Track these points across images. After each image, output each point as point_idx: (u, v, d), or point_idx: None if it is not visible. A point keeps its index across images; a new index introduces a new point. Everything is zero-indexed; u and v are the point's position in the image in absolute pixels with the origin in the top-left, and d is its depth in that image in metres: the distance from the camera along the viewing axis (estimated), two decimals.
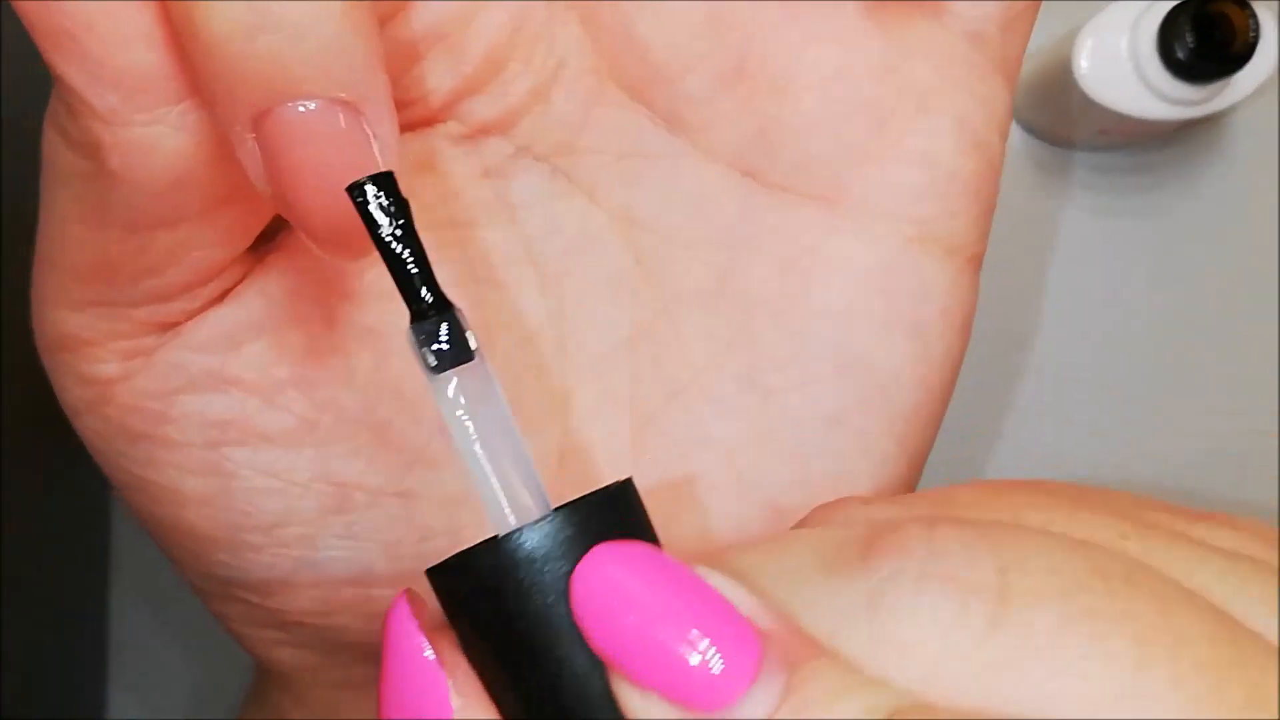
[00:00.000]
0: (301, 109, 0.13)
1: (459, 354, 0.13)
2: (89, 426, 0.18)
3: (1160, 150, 0.39)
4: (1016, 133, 0.39)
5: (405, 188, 0.18)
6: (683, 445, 0.19)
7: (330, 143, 0.13)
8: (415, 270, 0.13)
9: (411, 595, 0.14)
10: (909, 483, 0.20)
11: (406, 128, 0.18)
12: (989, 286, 0.39)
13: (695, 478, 0.19)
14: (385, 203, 0.13)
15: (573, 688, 0.13)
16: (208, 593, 0.19)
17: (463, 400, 0.13)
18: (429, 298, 0.13)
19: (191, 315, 0.17)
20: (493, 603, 0.13)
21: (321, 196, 0.13)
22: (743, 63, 0.18)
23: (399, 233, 0.13)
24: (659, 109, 0.18)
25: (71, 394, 0.17)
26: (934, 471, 0.21)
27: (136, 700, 0.36)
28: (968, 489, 0.15)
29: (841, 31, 0.18)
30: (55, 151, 0.15)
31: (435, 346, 0.13)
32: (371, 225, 0.13)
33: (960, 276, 0.19)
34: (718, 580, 0.13)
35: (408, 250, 0.13)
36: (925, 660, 0.12)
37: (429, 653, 0.13)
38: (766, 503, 0.19)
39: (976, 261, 0.19)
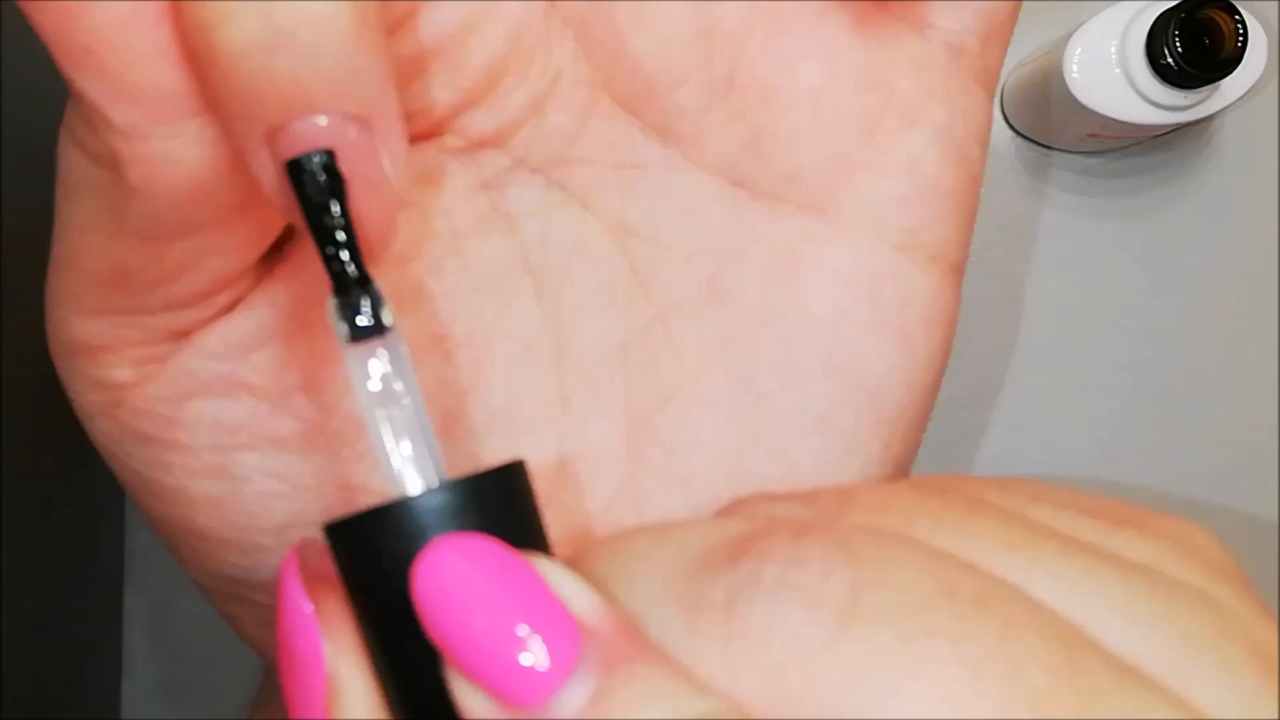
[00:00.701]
0: (315, 124, 0.13)
1: (375, 327, 0.14)
2: (101, 430, 0.18)
3: (1149, 155, 0.39)
4: (1007, 136, 0.40)
5: (407, 199, 0.18)
6: (677, 448, 0.19)
7: (344, 158, 0.13)
8: (342, 242, 0.14)
9: (306, 548, 0.15)
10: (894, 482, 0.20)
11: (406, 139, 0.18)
12: (979, 288, 0.39)
13: (691, 478, 0.19)
14: (319, 177, 0.13)
15: (417, 664, 0.13)
16: (218, 594, 0.20)
17: (373, 370, 0.14)
18: (352, 271, 0.14)
19: (204, 323, 0.17)
20: (366, 568, 0.14)
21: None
22: (733, 75, 0.18)
23: (326, 204, 0.13)
24: (651, 121, 0.19)
25: (84, 398, 0.18)
26: (920, 471, 0.22)
27: (149, 700, 0.37)
28: (871, 490, 0.15)
29: (829, 45, 0.18)
30: (72, 162, 0.15)
31: (354, 318, 0.14)
32: (302, 196, 0.13)
33: (943, 283, 0.19)
34: (555, 576, 0.13)
35: (336, 223, 0.14)
36: (769, 665, 0.12)
37: (307, 606, 0.14)
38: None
39: (959, 269, 0.20)
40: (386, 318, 0.14)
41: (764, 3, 0.18)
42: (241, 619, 0.20)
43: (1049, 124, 0.38)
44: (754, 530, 0.13)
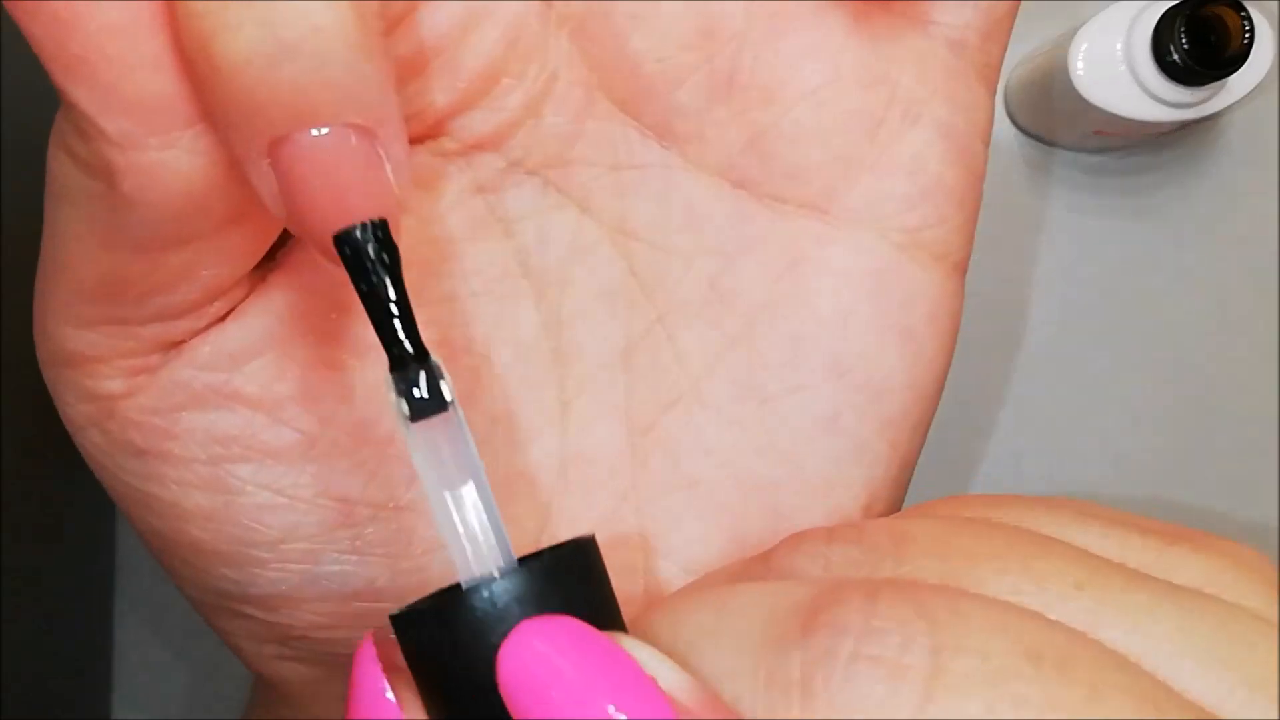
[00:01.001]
0: (316, 134, 0.13)
1: (435, 404, 0.13)
2: (90, 441, 0.18)
3: (1155, 152, 0.39)
4: (1012, 134, 0.39)
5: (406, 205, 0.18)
6: (680, 452, 0.19)
7: (344, 166, 0.13)
8: (398, 318, 0.13)
9: (379, 635, 0.14)
10: (900, 483, 0.20)
11: None
12: (982, 287, 0.39)
13: (695, 483, 0.19)
14: (371, 250, 0.13)
15: None
16: (209, 608, 0.19)
17: (435, 450, 0.14)
18: (409, 347, 0.13)
19: (197, 333, 0.17)
20: (440, 656, 0.13)
21: (339, 223, 0.13)
22: (733, 74, 0.18)
23: (382, 281, 0.13)
24: (650, 121, 0.19)
25: (74, 409, 0.17)
26: (925, 472, 0.22)
27: (138, 708, 0.37)
28: (924, 529, 0.15)
29: (830, 43, 0.18)
30: (63, 171, 0.15)
31: (412, 396, 0.13)
32: (354, 273, 0.13)
33: (947, 282, 0.19)
34: (643, 654, 0.13)
35: (391, 298, 0.13)
36: None
37: (389, 694, 0.14)
38: (763, 506, 0.19)
39: (962, 268, 0.20)
40: (446, 393, 0.14)
41: (764, 1, 0.18)
42: (234, 633, 0.20)
43: (1054, 121, 0.38)
44: (821, 595, 0.13)
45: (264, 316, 0.17)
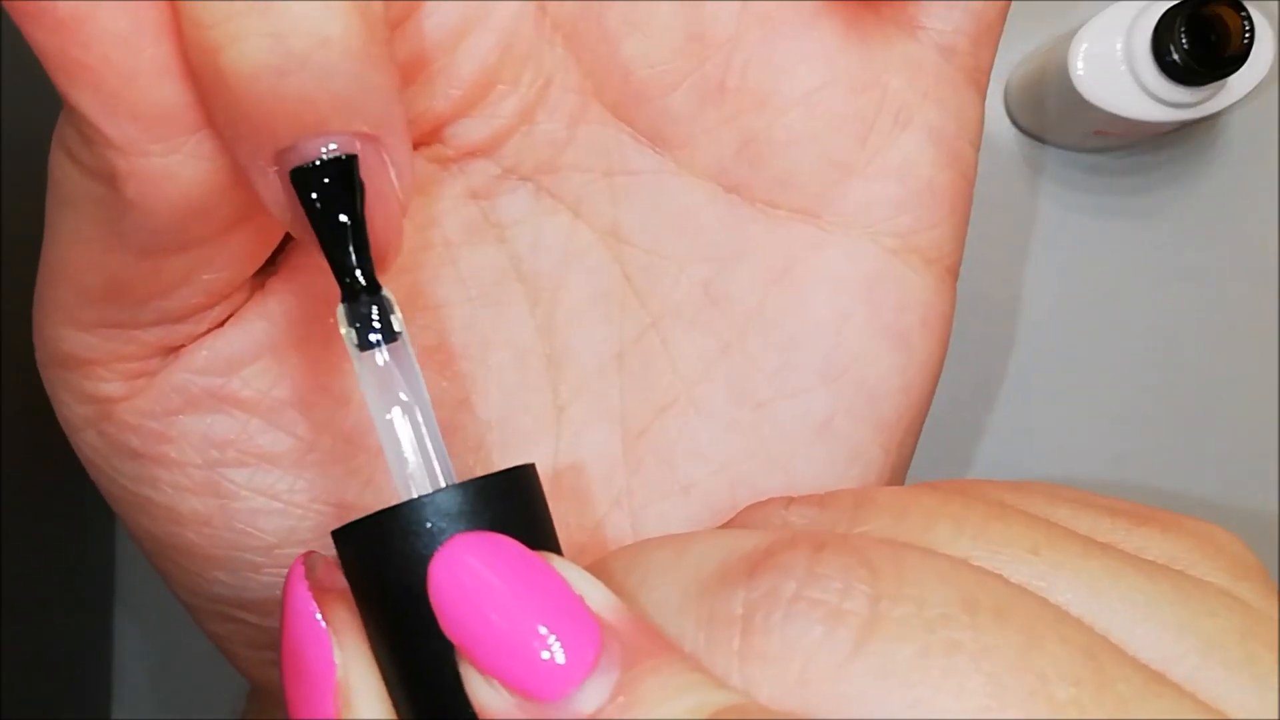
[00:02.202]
0: (325, 144, 0.13)
1: (385, 334, 0.14)
2: (87, 443, 0.18)
3: (1155, 152, 0.39)
4: (1012, 133, 0.39)
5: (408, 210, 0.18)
6: (674, 457, 0.19)
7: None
8: (351, 248, 0.14)
9: (312, 557, 0.15)
10: (894, 485, 0.20)
11: None
12: (982, 286, 0.39)
13: (690, 488, 0.19)
14: (327, 184, 0.13)
15: (430, 663, 0.13)
16: (203, 612, 0.19)
17: (382, 376, 0.14)
18: (361, 278, 0.14)
19: (196, 337, 0.17)
20: (378, 570, 0.13)
21: (344, 229, 0.14)
22: (725, 80, 0.18)
23: (334, 210, 0.13)
24: (643, 127, 0.19)
25: (71, 411, 0.17)
26: (919, 471, 0.21)
27: (138, 708, 0.37)
28: (888, 493, 0.15)
29: (821, 48, 0.18)
30: (64, 174, 0.15)
31: (363, 326, 0.14)
32: (306, 203, 0.13)
33: (940, 285, 0.19)
34: (572, 575, 0.13)
35: (343, 228, 0.13)
36: (787, 678, 0.12)
37: (317, 613, 0.14)
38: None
39: (954, 271, 0.20)
40: (396, 324, 0.14)
41: (755, 7, 0.18)
42: (228, 638, 0.20)
43: (1054, 121, 0.38)
44: (772, 543, 0.13)
45: (263, 321, 0.17)
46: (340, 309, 0.14)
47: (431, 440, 0.14)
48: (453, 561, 0.13)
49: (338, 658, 0.14)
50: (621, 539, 0.19)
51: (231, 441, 0.17)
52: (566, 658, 0.12)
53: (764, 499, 0.16)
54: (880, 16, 0.18)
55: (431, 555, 0.13)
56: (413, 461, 0.14)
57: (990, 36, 0.19)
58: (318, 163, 0.13)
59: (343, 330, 0.14)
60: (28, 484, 0.30)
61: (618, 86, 0.18)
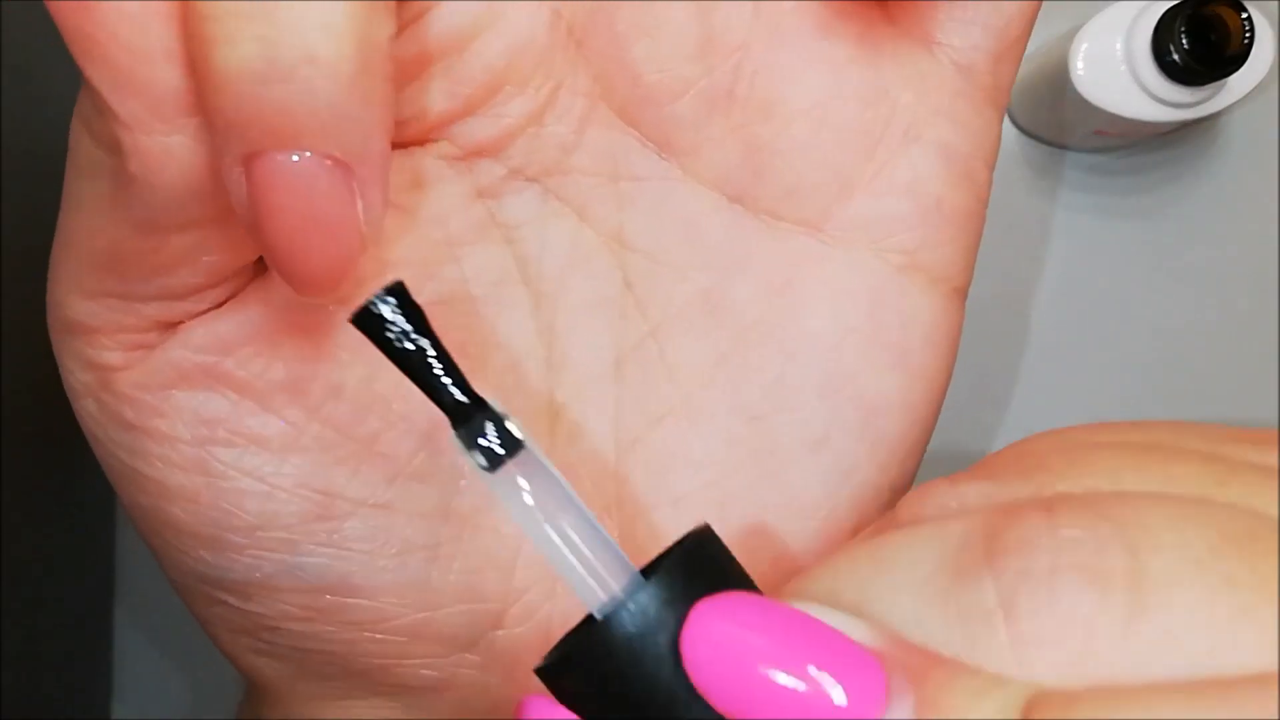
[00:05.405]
0: (294, 159, 0.13)
1: (509, 447, 0.13)
2: (87, 411, 0.18)
3: (1155, 152, 0.39)
4: (1012, 134, 0.39)
5: (400, 203, 0.18)
6: (666, 468, 0.19)
7: (314, 195, 0.13)
8: (445, 377, 0.13)
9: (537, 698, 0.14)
10: (892, 504, 0.20)
11: (398, 145, 0.18)
12: (986, 288, 0.39)
13: (681, 499, 0.19)
14: (397, 322, 0.13)
15: None
16: (189, 592, 0.19)
17: (525, 490, 0.13)
18: (464, 399, 0.13)
19: (196, 315, 0.17)
20: (608, 687, 0.13)
21: (296, 244, 0.14)
22: (733, 87, 0.18)
23: (419, 346, 0.13)
24: (650, 132, 0.19)
25: (74, 376, 0.18)
26: (928, 474, 0.21)
27: (138, 708, 0.37)
28: (1053, 450, 0.14)
29: (832, 59, 0.18)
30: (80, 143, 0.15)
31: (485, 446, 0.13)
32: (385, 349, 0.13)
33: (946, 305, 0.19)
34: (822, 613, 0.12)
35: (432, 360, 0.13)
36: (1070, 654, 0.11)
37: None
38: (749, 526, 0.19)
39: (962, 291, 0.19)
40: (516, 431, 0.13)
41: (766, 15, 0.18)
42: (212, 621, 0.20)
43: (1054, 122, 0.38)
44: (993, 521, 0.12)
45: (261, 305, 0.17)
46: (452, 437, 0.13)
47: (598, 537, 0.13)
48: (704, 630, 0.12)
49: None
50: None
51: (222, 421, 0.17)
52: (855, 693, 0.12)
53: (921, 485, 0.15)
54: (895, 30, 0.18)
55: (673, 639, 0.12)
56: (588, 567, 0.13)
57: (1012, 55, 0.19)
58: (373, 301, 0.13)
59: (466, 460, 0.13)
60: (28, 484, 0.30)
61: (626, 90, 0.18)
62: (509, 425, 0.13)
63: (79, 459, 0.19)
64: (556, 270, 0.19)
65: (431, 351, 0.13)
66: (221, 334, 0.17)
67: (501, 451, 0.13)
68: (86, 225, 0.16)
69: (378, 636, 0.19)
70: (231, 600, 0.19)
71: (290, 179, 0.13)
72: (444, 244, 0.18)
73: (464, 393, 0.13)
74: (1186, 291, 0.39)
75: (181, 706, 0.37)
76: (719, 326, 0.19)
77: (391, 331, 0.13)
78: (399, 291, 0.13)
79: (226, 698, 0.37)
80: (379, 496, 0.18)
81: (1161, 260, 0.39)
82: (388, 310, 0.13)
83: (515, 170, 0.19)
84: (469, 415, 0.13)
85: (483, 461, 0.13)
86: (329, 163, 0.13)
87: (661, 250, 0.19)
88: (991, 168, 0.19)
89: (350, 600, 0.18)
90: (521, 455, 0.13)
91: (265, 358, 0.17)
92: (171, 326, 0.17)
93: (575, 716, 0.13)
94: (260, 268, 0.17)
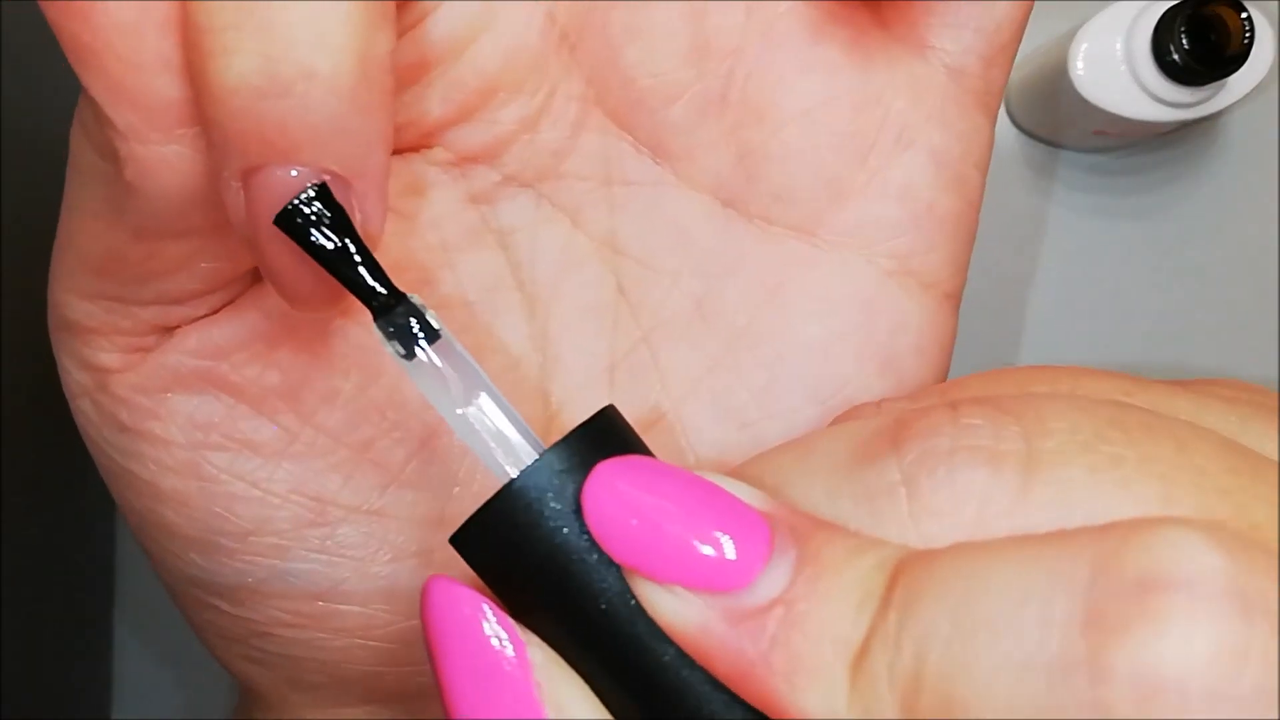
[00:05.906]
0: (293, 174, 0.13)
1: (427, 336, 0.14)
2: (83, 411, 0.18)
3: (1155, 152, 0.39)
4: (1012, 134, 0.39)
5: (396, 209, 0.18)
6: None
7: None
8: (364, 269, 0.14)
9: (438, 578, 0.14)
10: None
11: (393, 152, 0.18)
12: (984, 287, 0.39)
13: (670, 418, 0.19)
14: (318, 220, 0.13)
15: (607, 616, 0.13)
16: (182, 596, 0.20)
17: (441, 374, 0.14)
18: (383, 292, 0.14)
19: (192, 320, 0.17)
20: (516, 549, 0.13)
21: (292, 258, 0.14)
22: (726, 92, 0.18)
23: (339, 243, 0.13)
24: (643, 137, 0.19)
25: (71, 376, 0.18)
26: None
27: (138, 708, 0.37)
28: (974, 378, 0.15)
29: (825, 64, 0.18)
30: (79, 148, 0.15)
31: (402, 335, 0.14)
32: (305, 245, 0.13)
33: (938, 311, 0.19)
34: (715, 478, 0.13)
35: (352, 256, 0.14)
36: (965, 525, 0.12)
37: (491, 608, 0.13)
38: None
39: (954, 297, 0.19)
40: (434, 322, 0.14)
41: (759, 20, 0.18)
42: (204, 627, 0.20)
43: (1054, 121, 0.38)
44: (904, 414, 0.13)
45: (258, 311, 0.17)
46: (375, 329, 0.14)
47: (510, 417, 0.14)
48: (604, 487, 0.13)
49: (534, 657, 0.13)
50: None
51: (216, 425, 0.17)
52: (742, 547, 0.13)
53: (852, 408, 0.17)
54: (887, 35, 0.18)
55: (576, 499, 0.13)
56: (500, 442, 0.14)
57: (1003, 59, 0.19)
58: (295, 203, 0.13)
59: (387, 349, 0.14)
60: (28, 485, 0.30)
61: (619, 94, 0.18)
62: (428, 317, 0.14)
63: (79, 460, 0.19)
64: (550, 276, 0.19)
65: (353, 247, 0.14)
66: (218, 339, 0.17)
67: (421, 338, 0.14)
68: (85, 229, 0.16)
69: (369, 644, 0.19)
70: (223, 605, 0.19)
71: (288, 192, 0.13)
72: (438, 250, 0.19)
73: (384, 286, 0.14)
74: (1185, 292, 0.39)
75: (181, 707, 0.37)
76: (709, 332, 0.19)
77: (314, 229, 0.13)
78: (322, 191, 0.13)
79: (225, 699, 0.37)
80: (371, 503, 0.18)
81: (1160, 260, 0.39)
82: (311, 209, 0.13)
83: (509, 176, 0.19)
84: (390, 307, 0.14)
85: (401, 349, 0.14)
86: (326, 176, 0.13)
87: (654, 255, 0.19)
88: (983, 172, 0.19)
89: (342, 607, 0.18)
90: (439, 344, 0.14)
91: (260, 363, 0.17)
92: (168, 330, 0.17)
93: (473, 590, 0.14)
94: (257, 274, 0.17)
